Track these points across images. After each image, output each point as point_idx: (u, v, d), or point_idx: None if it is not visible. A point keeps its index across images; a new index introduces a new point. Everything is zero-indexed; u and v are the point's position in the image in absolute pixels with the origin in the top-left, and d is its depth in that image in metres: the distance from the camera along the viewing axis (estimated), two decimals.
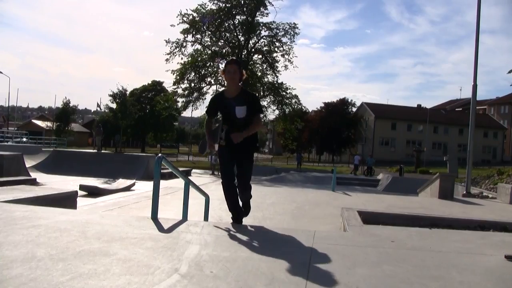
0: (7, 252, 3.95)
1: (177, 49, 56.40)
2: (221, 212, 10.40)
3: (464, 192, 17.36)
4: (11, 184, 13.20)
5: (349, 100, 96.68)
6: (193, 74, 57.12)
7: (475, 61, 18.09)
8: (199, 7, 56.10)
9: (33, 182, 17.91)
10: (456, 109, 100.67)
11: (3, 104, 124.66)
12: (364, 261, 4.47)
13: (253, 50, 58.61)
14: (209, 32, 57.91)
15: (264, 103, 60.20)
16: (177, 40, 56.57)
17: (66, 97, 76.70)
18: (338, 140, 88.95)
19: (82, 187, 16.97)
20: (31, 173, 23.56)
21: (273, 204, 12.74)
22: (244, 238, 5.22)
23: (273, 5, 57.03)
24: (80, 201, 11.25)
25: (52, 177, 24.87)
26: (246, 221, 9.50)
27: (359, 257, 4.62)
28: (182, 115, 79.60)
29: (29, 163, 27.32)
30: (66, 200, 9.49)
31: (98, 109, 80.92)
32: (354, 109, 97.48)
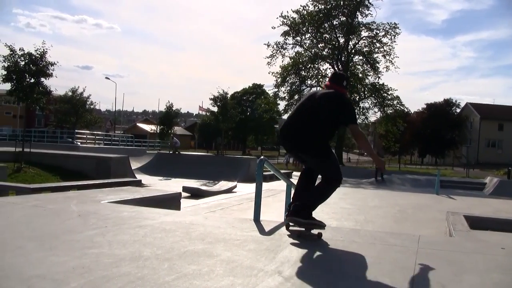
0: (116, 251, 4.09)
1: (278, 51, 56.73)
2: (322, 214, 10.33)
3: None
4: (118, 185, 13.72)
5: (454, 101, 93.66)
6: (293, 76, 57.20)
7: None
8: (300, 8, 56.15)
9: (139, 184, 18.55)
10: None
11: (110, 109, 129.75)
12: (472, 268, 4.30)
13: (353, 51, 57.99)
14: (309, 34, 57.84)
15: (365, 104, 59.54)
16: (278, 43, 56.86)
17: (169, 101, 78.46)
18: (441, 142, 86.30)
19: (185, 189, 17.37)
20: (136, 175, 24.44)
21: (375, 207, 12.56)
22: (347, 241, 5.14)
23: (372, 4, 56.20)
24: (184, 203, 11.50)
25: (156, 179, 25.64)
26: (348, 224, 9.41)
27: (466, 264, 4.45)
28: (282, 117, 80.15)
29: (134, 165, 28.34)
30: (170, 201, 9.72)
31: (200, 112, 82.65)
32: (458, 110, 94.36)
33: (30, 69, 23.31)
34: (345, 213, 11.10)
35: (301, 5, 56.60)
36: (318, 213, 10.07)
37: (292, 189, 6.85)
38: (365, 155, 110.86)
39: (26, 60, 23.24)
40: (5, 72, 23.06)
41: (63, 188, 13.19)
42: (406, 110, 60.46)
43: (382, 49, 57.10)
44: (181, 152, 35.46)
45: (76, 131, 54.61)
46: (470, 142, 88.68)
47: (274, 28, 56.83)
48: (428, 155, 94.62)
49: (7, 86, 24.16)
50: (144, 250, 4.16)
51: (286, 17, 55.85)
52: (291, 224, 5.46)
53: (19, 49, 23.28)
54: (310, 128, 5.29)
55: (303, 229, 5.35)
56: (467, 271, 4.14)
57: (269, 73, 57.85)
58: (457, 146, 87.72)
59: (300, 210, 5.24)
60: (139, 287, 3.15)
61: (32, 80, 23.57)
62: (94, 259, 3.79)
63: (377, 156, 5.69)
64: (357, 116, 5.35)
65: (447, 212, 9.03)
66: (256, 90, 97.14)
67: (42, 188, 13.38)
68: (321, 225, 5.34)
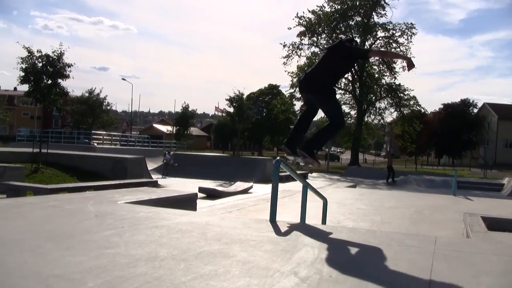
0: (132, 251, 4.11)
1: (294, 52, 56.78)
2: (339, 215, 10.32)
3: None
4: (134, 186, 13.79)
5: (471, 101, 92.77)
6: None
7: None
8: (316, 8, 56.15)
9: (155, 184, 18.62)
10: None
11: (127, 109, 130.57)
12: (490, 270, 4.25)
13: None
14: (325, 35, 57.86)
15: (381, 105, 59.41)
16: (293, 43, 56.89)
17: (185, 102, 78.97)
18: (458, 143, 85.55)
19: (201, 189, 17.47)
20: (152, 175, 24.56)
21: (391, 208, 12.50)
22: (363, 242, 5.13)
23: (388, 4, 56.07)
24: (200, 203, 11.53)
25: (172, 179, 25.72)
26: (364, 225, 9.37)
27: (483, 265, 4.40)
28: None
29: (150, 165, 28.48)
30: (187, 202, 9.77)
31: (216, 113, 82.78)
32: (475, 110, 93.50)
33: (48, 70, 23.51)
34: (361, 214, 11.06)
35: (317, 6, 56.74)
36: (334, 215, 10.10)
37: (308, 190, 6.88)
38: (382, 155, 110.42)
39: (44, 62, 23.44)
40: (23, 74, 23.26)
41: (80, 189, 13.29)
42: (422, 111, 60.22)
43: (398, 49, 56.95)
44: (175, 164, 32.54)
45: (92, 132, 55.04)
46: (487, 142, 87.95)
47: (290, 28, 56.99)
48: (445, 155, 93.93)
49: (25, 87, 24.39)
50: (161, 251, 4.17)
51: (302, 18, 55.97)
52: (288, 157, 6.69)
53: (37, 51, 23.51)
54: (321, 74, 6.34)
55: (302, 161, 6.52)
56: (484, 273, 4.10)
57: (285, 71, 57.79)
58: (474, 147, 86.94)
59: (307, 146, 6.40)
60: (156, 287, 3.17)
61: (50, 82, 23.77)
62: (111, 259, 3.81)
63: (404, 55, 6.73)
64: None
65: (464, 213, 8.97)
66: (272, 90, 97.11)
67: (59, 188, 13.49)
68: (318, 164, 6.60)
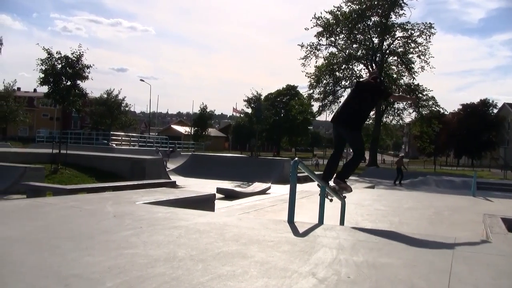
0: (151, 252, 4.12)
1: (312, 52, 56.58)
2: (357, 216, 10.29)
3: None
4: (153, 186, 13.82)
5: (490, 101, 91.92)
6: (328, 77, 57.00)
7: None
8: (334, 9, 55.95)
9: (173, 185, 18.63)
10: None
11: (145, 110, 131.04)
12: (510, 272, 4.21)
13: (387, 51, 57.48)
14: (343, 35, 57.60)
15: (400, 105, 59.05)
16: (311, 44, 56.72)
17: (203, 103, 79.22)
18: (478, 143, 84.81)
19: (219, 190, 17.45)
20: (170, 176, 24.60)
21: (410, 209, 12.44)
22: (381, 243, 5.10)
23: (407, 4, 55.65)
24: (218, 204, 11.54)
25: (190, 180, 25.74)
26: (382, 225, 9.32)
27: (504, 267, 4.36)
28: (316, 118, 80.00)
29: (168, 166, 28.50)
30: (205, 203, 9.78)
31: (234, 113, 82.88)
32: (495, 110, 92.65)
33: (67, 72, 23.60)
34: (380, 214, 11.02)
35: (334, 6, 56.46)
36: (353, 216, 10.07)
37: (325, 190, 6.90)
38: (400, 155, 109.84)
39: (63, 63, 23.53)
40: (43, 75, 23.40)
41: (98, 189, 13.34)
42: (441, 111, 59.66)
43: (417, 49, 56.57)
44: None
45: (111, 132, 55.28)
46: (507, 143, 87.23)
47: (308, 29, 56.87)
48: (464, 156, 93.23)
49: (45, 89, 24.54)
50: (179, 251, 4.19)
51: (320, 18, 55.74)
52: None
53: (56, 53, 23.59)
54: (350, 110, 7.22)
55: (337, 187, 7.45)
56: (505, 275, 4.06)
57: (302, 71, 57.61)
58: (494, 147, 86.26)
59: (341, 176, 7.47)
60: (174, 287, 3.18)
61: (69, 83, 23.86)
62: (129, 260, 3.83)
63: (414, 98, 7.80)
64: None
65: (484, 215, 8.89)
66: (290, 91, 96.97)
67: (78, 189, 13.55)
68: (350, 190, 7.63)
